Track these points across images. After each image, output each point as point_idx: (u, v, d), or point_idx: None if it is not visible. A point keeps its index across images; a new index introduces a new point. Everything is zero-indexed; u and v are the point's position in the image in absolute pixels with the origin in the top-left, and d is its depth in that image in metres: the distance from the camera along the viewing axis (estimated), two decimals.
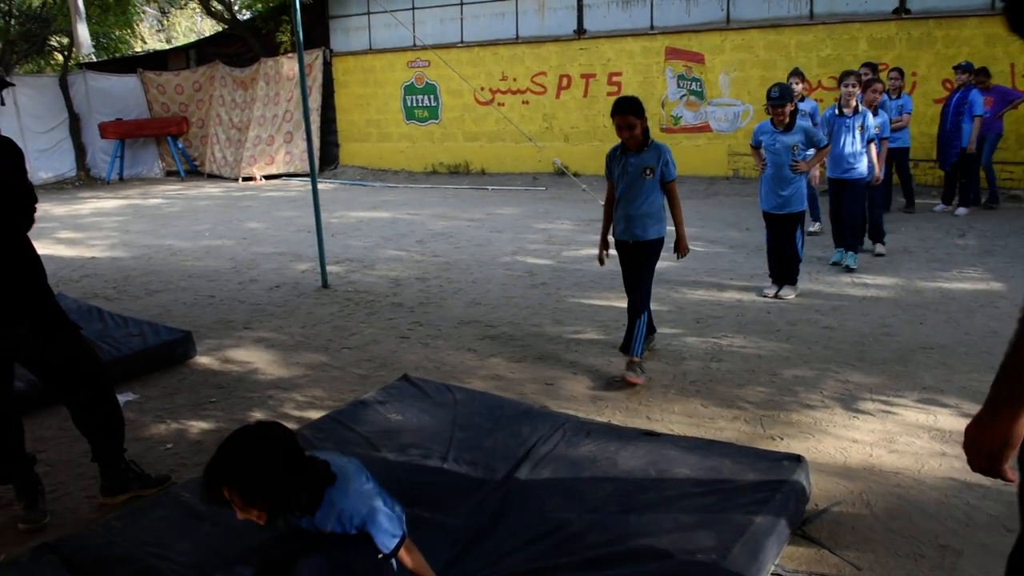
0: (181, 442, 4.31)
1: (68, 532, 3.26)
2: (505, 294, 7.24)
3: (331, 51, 18.66)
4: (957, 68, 10.41)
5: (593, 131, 15.58)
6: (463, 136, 17.39)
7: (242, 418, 4.53)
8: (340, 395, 4.88)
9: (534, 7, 16.01)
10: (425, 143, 17.90)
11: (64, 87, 18.80)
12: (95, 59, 20.54)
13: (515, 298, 7.09)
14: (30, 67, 22.49)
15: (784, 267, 6.83)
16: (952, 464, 3.71)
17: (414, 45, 16.89)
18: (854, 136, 7.36)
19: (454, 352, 5.70)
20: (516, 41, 16.33)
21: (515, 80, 16.47)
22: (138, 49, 27.10)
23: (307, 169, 13.05)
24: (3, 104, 3.49)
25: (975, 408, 1.65)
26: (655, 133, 14.20)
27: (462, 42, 16.85)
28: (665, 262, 5.12)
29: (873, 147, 7.53)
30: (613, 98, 5.37)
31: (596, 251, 5.32)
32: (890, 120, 8.47)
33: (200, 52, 20.87)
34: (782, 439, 4.09)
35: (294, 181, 17.82)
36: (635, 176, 4.91)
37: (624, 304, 5.16)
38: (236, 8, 20.61)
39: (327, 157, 19.04)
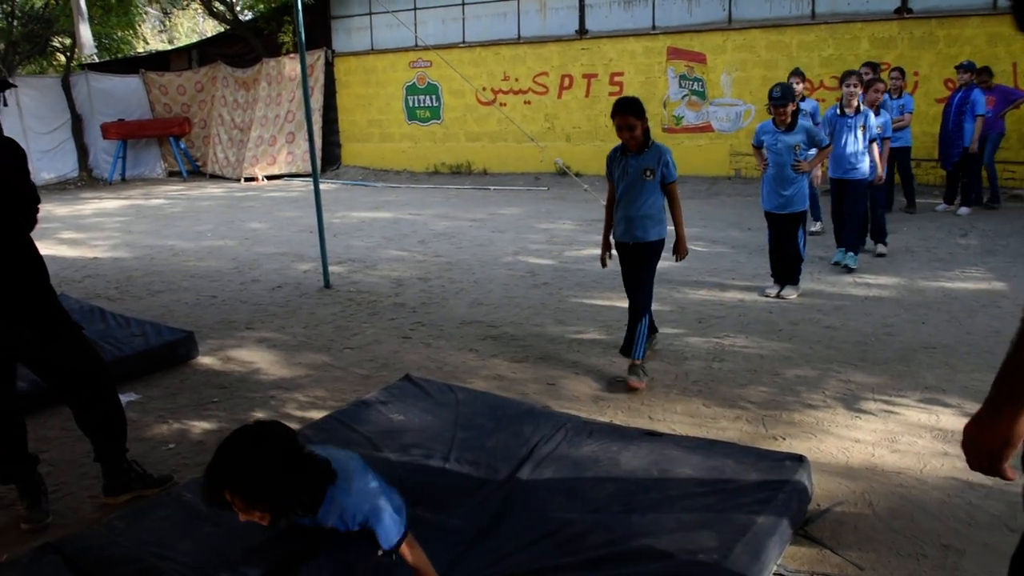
0: (183, 442, 4.32)
1: (70, 532, 3.26)
2: (507, 294, 7.24)
3: (333, 51, 18.67)
4: (959, 68, 10.40)
5: (595, 131, 15.58)
6: (465, 136, 17.39)
7: (244, 418, 4.53)
8: (342, 395, 4.88)
9: (536, 7, 16.01)
10: (427, 143, 17.90)
11: (66, 88, 18.81)
12: (97, 60, 20.56)
13: (517, 298, 7.09)
14: (32, 68, 22.51)
15: (786, 267, 6.83)
16: (954, 464, 3.71)
17: (416, 45, 16.89)
18: (856, 136, 7.35)
19: (456, 352, 5.70)
20: (518, 41, 16.33)
21: (517, 80, 16.47)
22: (140, 50, 27.11)
23: (309, 169, 13.07)
24: (6, 105, 3.51)
25: (977, 408, 1.65)
26: (657, 133, 14.22)
27: (464, 42, 16.85)
28: (666, 262, 5.11)
29: (875, 147, 7.52)
30: (615, 98, 5.35)
31: (598, 251, 5.29)
32: (891, 120, 8.47)
33: (202, 53, 20.88)
34: (784, 439, 4.09)
35: (296, 181, 17.82)
36: (635, 177, 4.88)
37: (626, 304, 5.14)
38: (238, 9, 20.63)
39: (329, 157, 19.05)
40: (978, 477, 3.51)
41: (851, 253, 7.56)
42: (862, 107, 7.43)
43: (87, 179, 19.15)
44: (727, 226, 10.32)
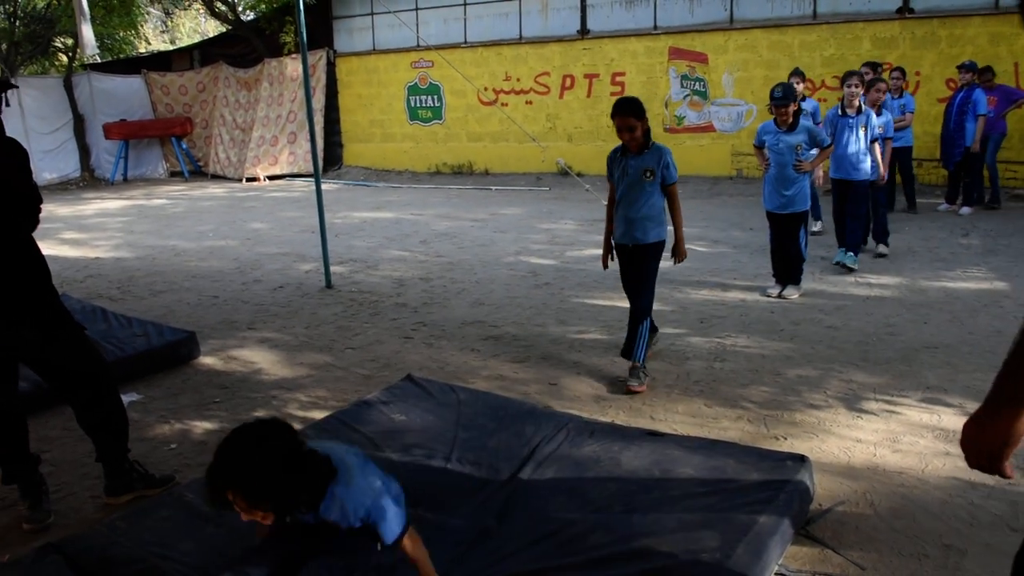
0: (185, 442, 4.32)
1: (72, 532, 3.26)
2: (509, 294, 7.24)
3: (335, 52, 18.68)
4: (961, 67, 10.39)
5: (596, 131, 15.58)
6: (467, 136, 17.40)
7: (246, 418, 4.49)
8: (344, 395, 4.88)
9: (537, 7, 16.02)
10: (429, 143, 17.91)
11: (68, 88, 18.84)
12: (99, 60, 20.59)
13: (519, 298, 7.10)
14: (35, 68, 22.57)
15: (788, 267, 6.83)
16: (956, 464, 3.70)
17: (418, 45, 16.90)
18: (857, 136, 7.34)
19: (458, 352, 5.70)
20: (519, 41, 16.34)
21: (518, 80, 16.48)
22: (142, 50, 27.16)
23: (311, 170, 13.09)
24: (8, 105, 3.50)
25: (979, 407, 1.65)
26: (658, 133, 14.23)
27: (465, 42, 16.86)
28: (666, 263, 5.10)
29: (877, 147, 7.51)
30: (616, 98, 5.34)
31: (599, 251, 5.26)
32: (893, 119, 8.46)
33: (204, 53, 20.90)
34: (786, 439, 4.09)
35: (298, 182, 17.83)
36: (635, 178, 4.85)
37: (627, 304, 5.13)
38: (240, 9, 20.64)
39: (331, 158, 19.07)
40: (980, 477, 3.52)
41: (851, 253, 7.54)
42: (864, 107, 7.42)
43: (89, 179, 19.17)
44: (729, 226, 10.32)
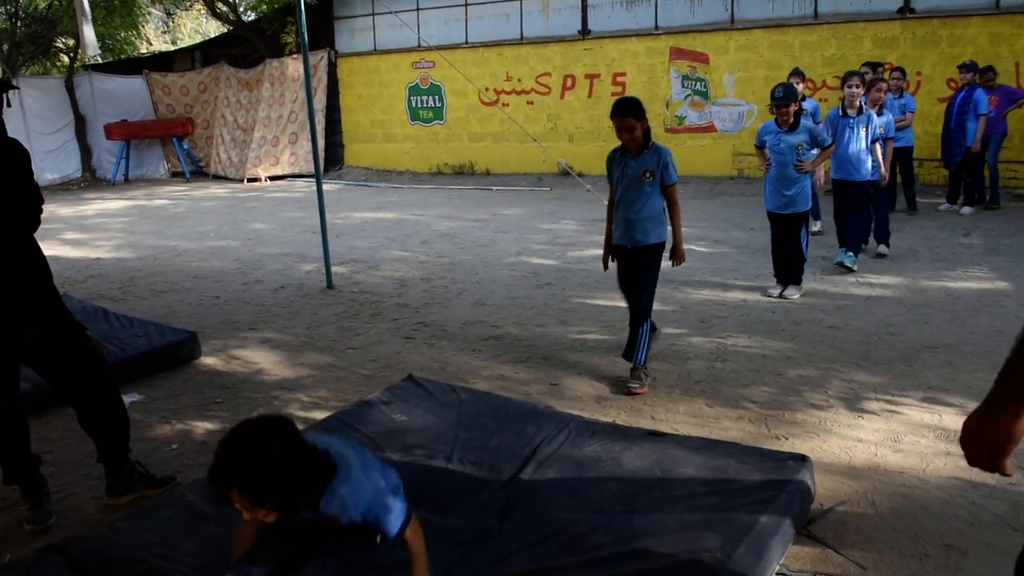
0: (186, 443, 4.32)
1: (73, 533, 3.26)
2: (510, 294, 7.24)
3: (336, 52, 18.69)
4: (962, 67, 10.39)
5: (598, 131, 15.58)
6: (468, 137, 17.40)
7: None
8: (345, 395, 4.88)
9: (538, 8, 16.02)
10: (430, 144, 17.92)
11: (70, 88, 18.87)
12: (101, 60, 20.61)
13: (520, 299, 7.10)
14: (36, 69, 22.57)
15: (788, 267, 6.82)
16: (957, 463, 3.70)
17: (419, 46, 16.91)
18: (858, 137, 7.33)
19: (459, 352, 5.70)
20: (520, 42, 16.34)
21: (519, 80, 16.48)
22: (143, 50, 27.17)
23: (312, 170, 13.10)
24: (9, 106, 3.50)
25: None
26: (659, 133, 14.24)
27: (466, 43, 16.86)
28: (666, 263, 5.09)
29: (878, 147, 7.49)
30: (617, 98, 5.32)
31: (601, 251, 5.22)
32: (894, 119, 8.45)
33: (205, 53, 20.93)
34: (787, 439, 4.08)
35: (299, 182, 17.84)
36: (635, 179, 4.81)
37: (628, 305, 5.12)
38: (241, 9, 20.65)
39: (332, 158, 19.08)
40: (981, 477, 3.52)
41: (851, 253, 7.52)
42: (865, 108, 7.41)
43: (90, 180, 19.19)
44: (730, 226, 10.32)
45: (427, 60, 17.38)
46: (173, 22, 34.27)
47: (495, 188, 15.58)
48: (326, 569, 2.48)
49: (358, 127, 19.02)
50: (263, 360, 5.67)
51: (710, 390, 4.80)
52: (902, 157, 9.97)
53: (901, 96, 10.02)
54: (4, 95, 3.44)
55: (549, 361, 5.43)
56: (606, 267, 5.20)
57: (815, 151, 6.73)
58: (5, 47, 19.08)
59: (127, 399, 4.30)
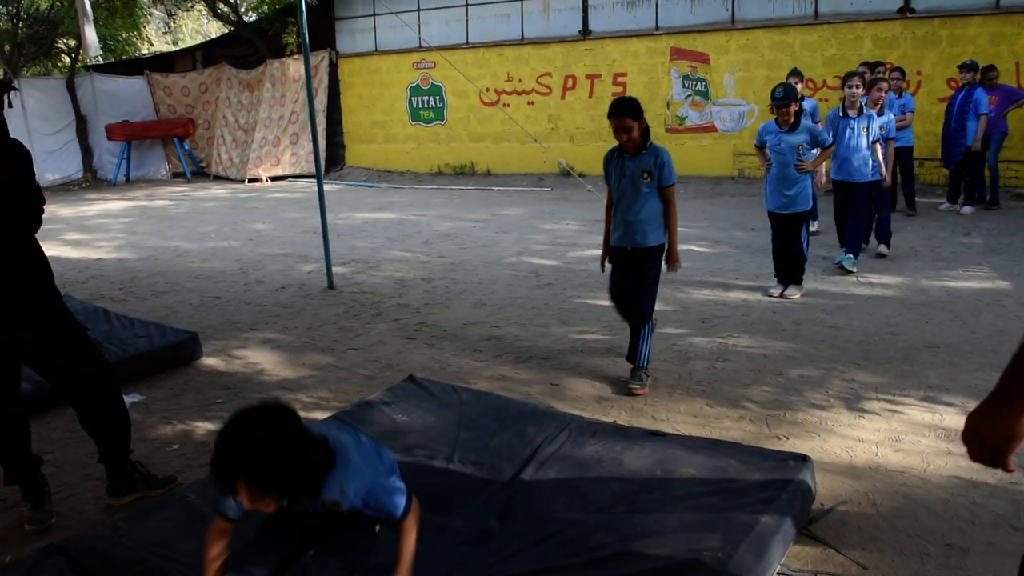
0: (187, 443, 4.32)
1: (74, 533, 3.26)
2: (511, 295, 7.25)
3: (337, 53, 18.69)
4: (962, 67, 10.39)
5: (598, 131, 15.57)
6: (468, 137, 17.41)
7: None
8: (346, 396, 4.88)
9: (539, 8, 16.02)
10: (431, 144, 17.92)
11: (71, 89, 18.88)
12: (102, 61, 20.61)
13: (521, 299, 7.10)
14: (37, 69, 22.59)
15: (789, 267, 6.82)
16: (958, 463, 3.70)
17: (420, 46, 16.91)
18: (859, 137, 7.32)
19: (459, 353, 5.70)
20: (521, 42, 16.34)
21: (520, 81, 16.48)
22: (145, 51, 27.20)
23: (313, 170, 13.09)
24: (11, 106, 3.50)
25: None
26: (660, 133, 14.26)
27: (467, 43, 16.86)
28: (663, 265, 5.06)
29: (879, 148, 7.47)
30: (615, 98, 5.29)
31: (600, 252, 5.20)
32: (895, 119, 8.44)
33: (206, 54, 20.94)
34: (788, 439, 4.08)
35: (300, 182, 17.85)
36: (633, 180, 4.74)
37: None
38: (242, 10, 20.66)
39: (333, 158, 19.08)
40: (982, 476, 3.52)
41: (850, 256, 7.50)
42: (865, 108, 7.41)
43: (91, 180, 19.20)
44: (730, 226, 10.32)
45: (428, 60, 17.38)
46: (174, 23, 34.29)
47: (496, 188, 15.58)
48: (327, 569, 2.48)
49: (359, 127, 19.02)
50: (264, 360, 5.68)
51: (711, 390, 4.80)
52: (902, 157, 9.96)
53: (900, 96, 10.02)
54: (6, 96, 3.44)
55: (550, 361, 5.43)
56: (603, 269, 5.16)
57: (815, 151, 6.73)
58: (7, 48, 19.10)
59: (128, 399, 4.30)
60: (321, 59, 18.17)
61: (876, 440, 4.02)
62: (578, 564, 2.80)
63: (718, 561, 2.71)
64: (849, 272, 7.42)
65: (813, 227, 9.27)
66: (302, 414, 4.43)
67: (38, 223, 3.43)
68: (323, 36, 18.15)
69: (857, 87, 7.29)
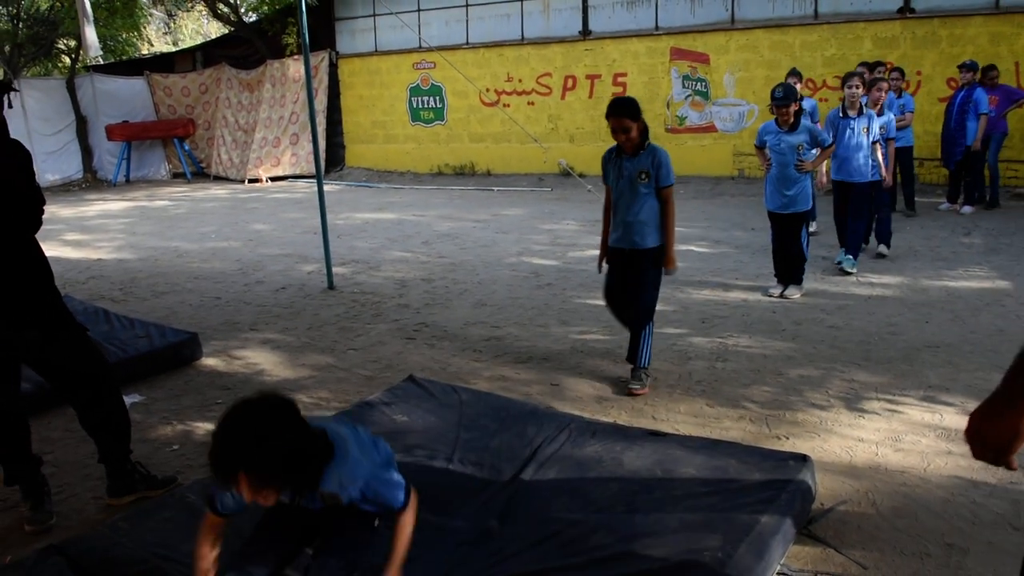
0: (187, 443, 4.32)
1: (74, 533, 3.26)
2: (511, 295, 7.25)
3: (337, 53, 18.69)
4: (962, 67, 10.39)
5: (598, 132, 15.57)
6: (468, 137, 17.41)
7: None
8: (346, 396, 4.88)
9: (539, 8, 16.02)
10: (431, 144, 17.92)
11: (71, 89, 18.87)
12: (102, 62, 20.62)
13: (521, 299, 7.10)
14: (37, 70, 22.60)
15: (789, 267, 6.82)
16: (958, 463, 3.70)
17: (420, 47, 16.90)
18: (859, 138, 7.31)
19: (460, 353, 5.70)
20: (521, 42, 16.34)
21: (520, 81, 16.48)
22: (145, 51, 27.19)
23: (313, 171, 13.09)
24: (11, 107, 3.50)
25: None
26: (660, 133, 14.26)
27: (467, 43, 16.86)
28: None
29: (879, 148, 7.46)
30: (613, 98, 5.27)
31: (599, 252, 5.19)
32: (895, 119, 8.43)
33: (206, 54, 20.93)
34: (788, 438, 4.08)
35: (300, 183, 17.85)
36: (631, 180, 4.71)
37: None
38: (242, 11, 20.66)
39: (333, 159, 19.08)
40: (982, 476, 3.52)
41: (850, 257, 7.49)
42: (865, 109, 7.40)
43: (91, 180, 19.20)
44: (730, 226, 10.32)
45: (428, 61, 17.38)
46: (174, 23, 34.28)
47: (496, 189, 15.58)
48: (327, 569, 2.48)
49: (359, 128, 19.02)
50: (264, 361, 5.68)
51: (711, 390, 4.80)
52: (902, 157, 9.95)
53: (900, 96, 10.02)
54: (6, 96, 3.44)
55: (550, 362, 5.43)
56: (600, 269, 5.12)
57: (815, 151, 6.72)
58: (7, 48, 19.11)
59: (128, 400, 4.30)
60: (321, 59, 18.17)
61: (876, 440, 4.02)
62: (578, 564, 2.80)
63: (718, 561, 2.71)
64: (849, 273, 7.42)
65: (812, 228, 9.27)
66: (302, 414, 4.43)
67: (38, 223, 3.43)
68: (323, 36, 18.15)
69: (857, 87, 7.29)
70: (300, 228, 11.52)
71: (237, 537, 2.93)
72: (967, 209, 10.49)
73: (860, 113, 7.32)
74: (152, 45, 31.03)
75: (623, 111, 4.60)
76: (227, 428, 2.18)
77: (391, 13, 15.56)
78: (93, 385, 3.59)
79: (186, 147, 19.77)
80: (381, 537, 2.60)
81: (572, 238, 10.00)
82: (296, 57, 17.90)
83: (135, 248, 10.44)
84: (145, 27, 26.67)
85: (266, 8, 19.18)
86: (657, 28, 14.87)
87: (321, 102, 18.21)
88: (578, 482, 3.39)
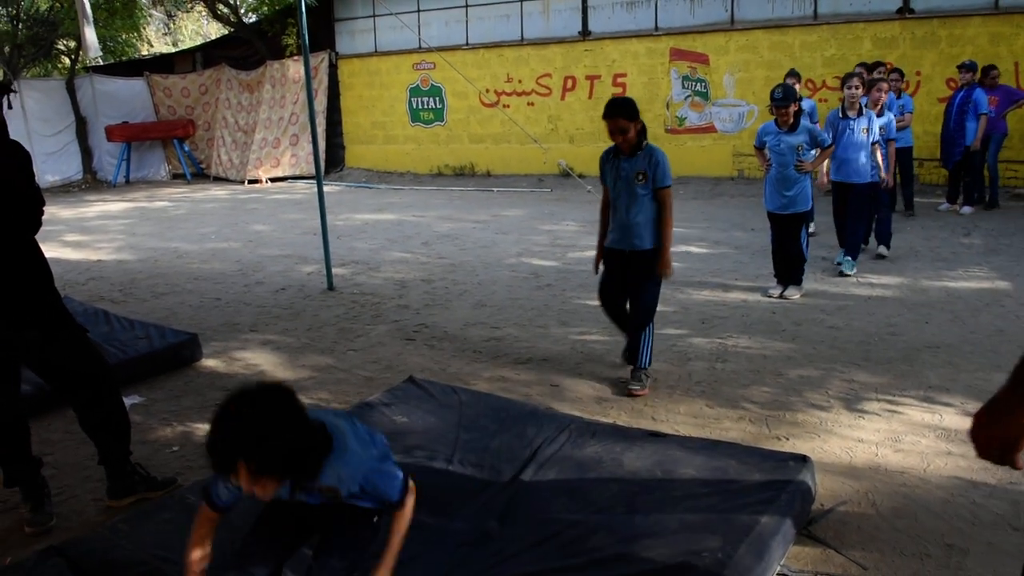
0: (187, 445, 4.32)
1: (74, 535, 3.27)
2: (510, 296, 7.25)
3: (337, 54, 18.69)
4: (961, 67, 10.39)
5: (598, 132, 15.50)
6: (468, 138, 17.41)
7: None
8: (346, 397, 4.89)
9: (539, 9, 16.02)
10: (430, 145, 17.92)
11: (71, 90, 18.87)
12: (102, 62, 20.62)
13: (520, 300, 7.10)
14: (37, 71, 22.60)
15: (789, 267, 6.82)
16: (958, 463, 3.70)
17: (419, 47, 16.90)
18: (858, 138, 7.31)
19: (459, 354, 5.70)
20: (521, 43, 16.34)
21: (520, 82, 16.48)
22: (144, 52, 27.17)
23: (313, 171, 13.09)
24: (11, 108, 3.50)
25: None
26: (660, 134, 14.26)
27: (467, 44, 16.86)
28: None
29: (878, 149, 7.45)
30: (611, 98, 5.25)
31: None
32: (895, 119, 8.43)
33: (206, 55, 20.92)
34: (787, 439, 4.09)
35: (300, 183, 17.84)
36: (628, 181, 4.69)
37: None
38: (242, 11, 20.66)
39: (333, 159, 19.07)
40: (982, 476, 3.52)
41: (849, 257, 7.48)
42: (865, 109, 7.40)
43: (91, 181, 19.19)
44: (730, 227, 10.32)
45: (428, 61, 17.38)
46: (174, 24, 34.29)
47: (496, 189, 15.58)
48: (328, 569, 2.48)
49: (359, 129, 19.02)
50: (264, 362, 5.68)
51: (711, 391, 4.80)
52: (901, 157, 9.94)
53: (899, 97, 10.01)
54: (5, 97, 3.44)
55: (550, 362, 5.43)
56: (597, 270, 5.10)
57: (815, 151, 6.72)
58: (6, 49, 19.10)
59: (128, 401, 4.30)
60: (321, 60, 18.16)
61: (876, 440, 4.02)
62: (578, 565, 2.80)
63: (718, 562, 2.71)
64: (846, 275, 7.41)
65: (810, 228, 9.26)
66: None
67: (38, 224, 3.43)
68: (323, 37, 18.15)
69: (856, 88, 7.28)
70: (300, 229, 11.52)
71: (237, 536, 2.93)
72: (967, 209, 10.49)
73: (860, 114, 7.32)
74: (152, 46, 31.01)
75: (619, 112, 4.58)
76: (227, 416, 2.15)
77: (391, 14, 15.56)
78: (93, 386, 3.59)
79: (186, 148, 19.76)
80: (382, 536, 2.60)
81: (572, 239, 10.00)
82: (296, 58, 17.90)
83: (135, 249, 10.44)
84: (145, 28, 26.67)
85: (266, 9, 19.17)
86: (657, 29, 14.87)
87: (321, 103, 18.20)
88: (578, 483, 3.39)
